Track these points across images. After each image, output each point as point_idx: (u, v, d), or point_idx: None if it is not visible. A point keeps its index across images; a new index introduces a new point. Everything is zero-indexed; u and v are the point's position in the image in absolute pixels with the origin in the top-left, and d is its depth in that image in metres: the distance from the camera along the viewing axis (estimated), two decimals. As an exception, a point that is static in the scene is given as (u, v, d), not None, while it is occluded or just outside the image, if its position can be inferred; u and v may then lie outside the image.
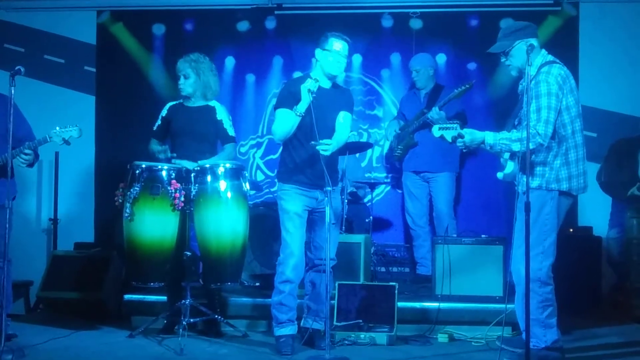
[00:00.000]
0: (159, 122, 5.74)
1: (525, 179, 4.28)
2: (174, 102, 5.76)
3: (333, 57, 4.95)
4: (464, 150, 4.74)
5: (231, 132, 5.67)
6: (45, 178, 7.66)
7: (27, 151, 5.04)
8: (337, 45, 4.94)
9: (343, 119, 5.04)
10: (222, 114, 5.65)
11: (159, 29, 7.75)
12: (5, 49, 7.78)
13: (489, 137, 4.55)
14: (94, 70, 7.80)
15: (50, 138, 5.08)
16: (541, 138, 4.42)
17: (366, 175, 7.34)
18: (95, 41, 7.79)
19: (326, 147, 4.69)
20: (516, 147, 4.46)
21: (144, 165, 5.30)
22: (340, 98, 5.07)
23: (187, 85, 5.60)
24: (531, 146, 4.36)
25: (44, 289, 6.60)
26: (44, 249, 7.60)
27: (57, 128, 5.07)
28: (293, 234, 4.94)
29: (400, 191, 7.22)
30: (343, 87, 5.36)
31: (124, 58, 7.73)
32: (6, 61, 7.36)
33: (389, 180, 7.50)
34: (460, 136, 4.59)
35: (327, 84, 5.04)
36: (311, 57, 7.40)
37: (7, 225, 4.72)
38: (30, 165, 5.22)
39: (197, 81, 5.60)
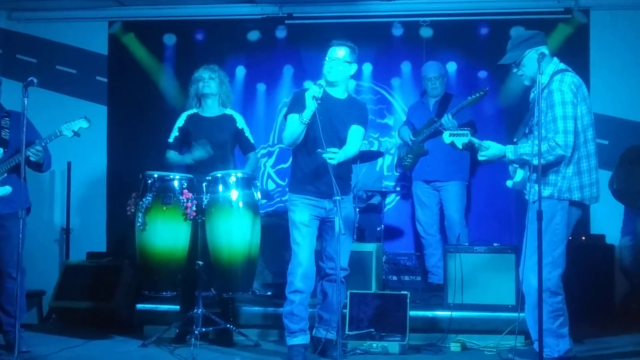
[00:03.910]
0: (175, 133, 5.72)
1: (534, 188, 4.27)
2: (190, 112, 5.74)
3: (328, 63, 4.94)
4: (481, 160, 4.72)
5: (252, 139, 5.76)
6: (58, 188, 7.71)
7: (37, 147, 5.09)
8: (339, 52, 4.93)
9: (354, 132, 4.98)
10: (242, 122, 5.72)
11: (170, 39, 7.79)
12: (17, 60, 7.84)
13: (510, 153, 4.54)
14: (105, 80, 7.85)
15: (61, 132, 5.15)
16: (562, 149, 4.39)
17: (382, 182, 7.34)
18: (106, 51, 7.85)
19: (333, 155, 4.64)
20: (536, 161, 4.43)
21: (156, 175, 5.32)
22: (354, 111, 5.02)
23: (213, 85, 5.64)
24: (552, 158, 4.37)
25: (56, 298, 6.64)
26: (56, 258, 7.62)
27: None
28: (300, 244, 4.92)
29: (410, 200, 7.20)
30: (358, 100, 5.29)
31: (135, 68, 7.77)
32: (19, 72, 7.39)
33: (399, 189, 7.49)
34: (471, 143, 4.60)
35: (341, 95, 5.04)
36: (322, 66, 7.49)
37: (21, 236, 4.74)
38: (39, 164, 5.25)
39: (221, 85, 5.67)
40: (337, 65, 4.94)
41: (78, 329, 6.08)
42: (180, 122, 5.73)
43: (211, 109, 5.69)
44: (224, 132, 5.63)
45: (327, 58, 4.96)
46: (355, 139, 4.98)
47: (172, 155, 5.72)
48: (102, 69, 7.85)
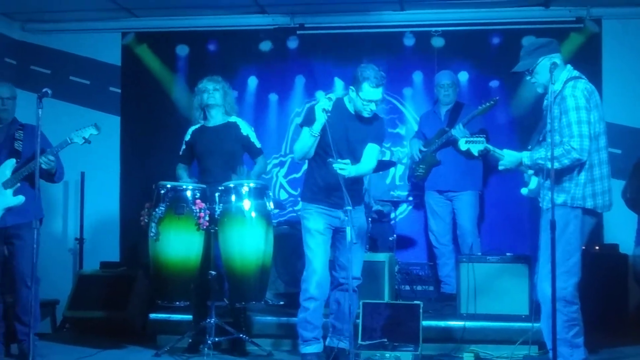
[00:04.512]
0: (183, 146, 5.81)
1: (548, 196, 4.26)
2: (196, 126, 5.79)
3: (365, 104, 4.86)
4: (501, 169, 4.71)
5: (258, 144, 5.75)
6: (71, 198, 7.75)
7: (50, 156, 5.13)
8: (371, 92, 4.81)
9: (370, 151, 4.97)
10: (246, 128, 5.72)
11: (182, 50, 7.82)
12: (31, 71, 7.89)
13: (526, 159, 4.53)
14: (119, 91, 7.89)
15: (71, 140, 5.20)
16: (577, 153, 4.36)
17: (390, 192, 7.33)
18: (120, 62, 7.89)
19: (344, 166, 4.63)
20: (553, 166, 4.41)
21: (169, 185, 5.35)
22: (371, 127, 5.00)
23: (217, 95, 5.67)
24: (567, 162, 4.35)
25: (70, 308, 6.67)
26: (70, 268, 7.65)
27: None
28: (315, 252, 4.93)
29: (423, 209, 7.19)
30: (378, 116, 5.14)
31: (149, 79, 7.81)
32: (33, 83, 7.46)
33: (411, 198, 7.47)
34: (487, 150, 4.62)
35: None
36: (333, 77, 7.52)
37: (35, 246, 4.76)
38: (52, 174, 5.29)
39: (225, 96, 5.70)
40: (373, 106, 4.88)
41: (91, 339, 6.11)
42: (187, 136, 5.80)
43: (215, 118, 5.72)
44: (229, 141, 5.65)
45: (360, 97, 4.82)
46: (371, 157, 4.99)
47: (180, 171, 5.78)
48: (115, 79, 7.89)
